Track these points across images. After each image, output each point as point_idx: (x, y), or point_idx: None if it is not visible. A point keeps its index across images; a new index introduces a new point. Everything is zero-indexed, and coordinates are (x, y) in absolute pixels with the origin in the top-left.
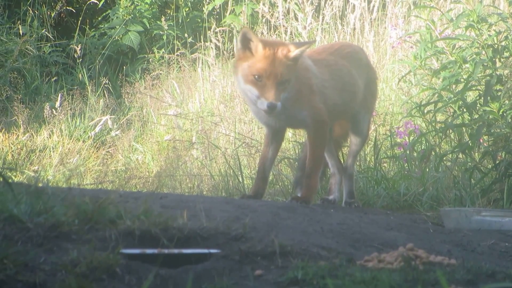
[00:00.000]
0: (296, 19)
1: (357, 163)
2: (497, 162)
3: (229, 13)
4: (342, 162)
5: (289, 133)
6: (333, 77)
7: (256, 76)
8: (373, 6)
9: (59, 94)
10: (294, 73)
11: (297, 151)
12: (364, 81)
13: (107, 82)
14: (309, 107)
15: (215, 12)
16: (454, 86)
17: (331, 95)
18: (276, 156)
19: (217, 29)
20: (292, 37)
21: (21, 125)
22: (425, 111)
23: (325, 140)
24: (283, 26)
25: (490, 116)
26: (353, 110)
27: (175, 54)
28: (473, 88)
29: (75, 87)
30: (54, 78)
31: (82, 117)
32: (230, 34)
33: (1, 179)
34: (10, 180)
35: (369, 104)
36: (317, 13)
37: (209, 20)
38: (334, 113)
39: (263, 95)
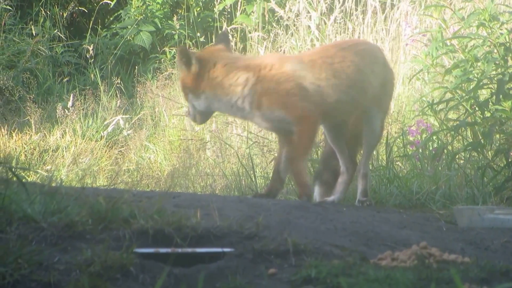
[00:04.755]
0: (309, 17)
1: (370, 162)
2: (510, 160)
3: (240, 13)
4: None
5: None
6: (336, 74)
7: None
8: (386, 4)
9: (71, 94)
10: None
11: None
12: (380, 80)
13: (119, 82)
14: (285, 107)
15: (226, 12)
16: (466, 84)
17: (331, 93)
18: None
19: (229, 28)
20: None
21: (34, 125)
22: (437, 110)
23: (310, 135)
24: (294, 25)
25: (503, 115)
26: (362, 107)
27: None
28: (485, 87)
29: (88, 87)
30: (66, 78)
31: (95, 117)
32: (242, 34)
33: (15, 179)
34: (23, 180)
35: (383, 103)
36: (329, 12)
37: (220, 19)
38: (340, 110)
39: None
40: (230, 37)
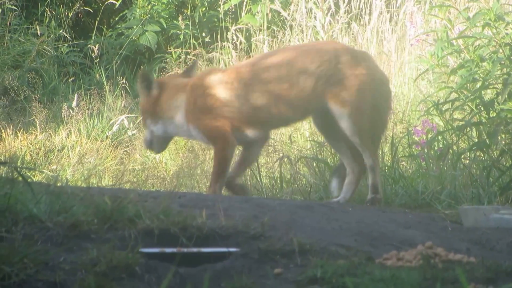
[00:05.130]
0: (314, 17)
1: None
2: None
3: (246, 12)
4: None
5: (306, 132)
6: (259, 85)
7: None
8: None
9: (76, 94)
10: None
11: (314, 150)
12: (327, 78)
13: (124, 82)
14: (200, 125)
15: (231, 12)
16: (471, 84)
17: (265, 104)
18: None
19: (235, 27)
20: (305, 36)
21: (39, 125)
22: (443, 110)
23: (224, 152)
24: (300, 25)
25: (508, 115)
26: (305, 110)
27: (191, 54)
28: (491, 87)
29: (93, 87)
30: (71, 78)
31: (100, 117)
32: (247, 33)
33: (21, 179)
34: (29, 180)
35: (347, 100)
36: (335, 12)
37: (226, 19)
38: (271, 119)
39: None
40: (235, 37)
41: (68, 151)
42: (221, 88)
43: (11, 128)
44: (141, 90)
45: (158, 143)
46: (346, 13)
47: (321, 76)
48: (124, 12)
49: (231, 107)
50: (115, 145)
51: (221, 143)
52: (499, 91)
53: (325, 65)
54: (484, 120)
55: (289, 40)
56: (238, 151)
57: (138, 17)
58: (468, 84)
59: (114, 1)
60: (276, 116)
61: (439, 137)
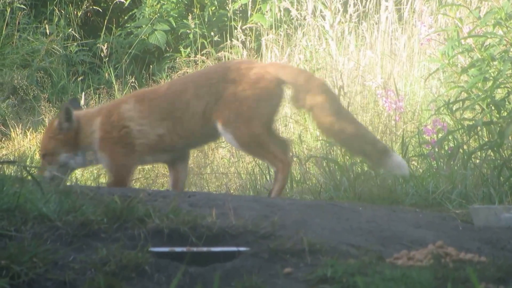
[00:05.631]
0: (323, 17)
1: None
2: None
3: (256, 12)
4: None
5: (316, 131)
6: (174, 109)
7: None
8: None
9: (83, 93)
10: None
11: (324, 150)
12: (213, 99)
13: (133, 81)
14: (106, 157)
15: (239, 11)
16: (482, 83)
17: (167, 132)
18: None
19: (244, 27)
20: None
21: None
22: (453, 109)
23: (121, 183)
24: (309, 24)
25: None
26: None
27: (200, 53)
28: (502, 86)
29: (102, 86)
30: (80, 77)
31: None
32: (257, 32)
33: (30, 178)
34: (38, 179)
35: (229, 118)
36: (345, 12)
37: (235, 18)
38: (189, 140)
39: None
40: (243, 36)
41: None
42: (131, 119)
43: (20, 127)
44: (61, 124)
45: (61, 176)
46: (356, 12)
47: (210, 99)
48: (133, 11)
49: (140, 138)
50: None
51: (117, 181)
52: (510, 90)
53: (213, 87)
54: (495, 120)
55: (300, 40)
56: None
57: (147, 16)
58: (479, 83)
59: (123, 0)
60: (180, 142)
61: (450, 137)
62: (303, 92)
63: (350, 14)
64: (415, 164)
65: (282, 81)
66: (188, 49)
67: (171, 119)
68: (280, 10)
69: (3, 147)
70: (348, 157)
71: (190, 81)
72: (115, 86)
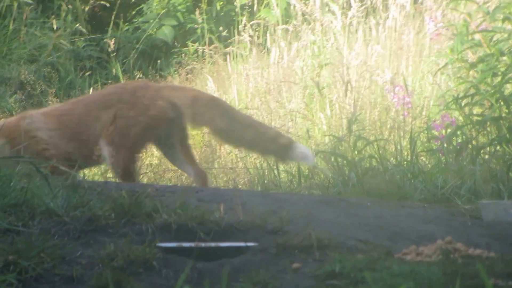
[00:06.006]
0: (332, 12)
1: (394, 157)
2: None
3: (263, 6)
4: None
5: (324, 126)
6: (78, 127)
7: None
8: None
9: (91, 88)
10: None
11: (332, 145)
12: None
13: (141, 76)
14: None
15: (247, 6)
16: (491, 78)
17: (72, 148)
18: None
19: (251, 22)
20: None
21: None
22: (462, 104)
23: None
24: (318, 19)
25: None
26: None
27: (208, 48)
28: (511, 81)
29: (109, 81)
30: (88, 72)
31: None
32: (265, 27)
33: (38, 173)
34: (46, 174)
35: (113, 138)
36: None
37: (243, 13)
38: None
39: None
40: (251, 32)
41: None
42: (40, 131)
43: None
44: None
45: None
46: (362, 6)
47: (107, 120)
48: (140, 6)
49: (51, 149)
50: None
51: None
52: None
53: (109, 109)
54: (504, 115)
55: (308, 34)
56: None
57: (155, 11)
58: (488, 79)
59: None
60: (88, 157)
61: (459, 132)
62: (194, 113)
63: (358, 9)
64: (424, 159)
65: (174, 104)
66: (196, 44)
67: (75, 138)
68: (288, 5)
69: None
70: (356, 153)
71: (91, 102)
72: (123, 81)
